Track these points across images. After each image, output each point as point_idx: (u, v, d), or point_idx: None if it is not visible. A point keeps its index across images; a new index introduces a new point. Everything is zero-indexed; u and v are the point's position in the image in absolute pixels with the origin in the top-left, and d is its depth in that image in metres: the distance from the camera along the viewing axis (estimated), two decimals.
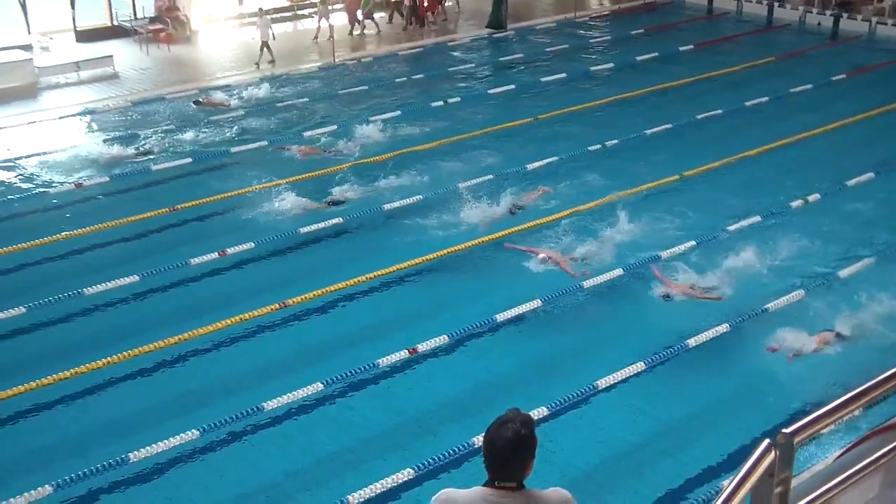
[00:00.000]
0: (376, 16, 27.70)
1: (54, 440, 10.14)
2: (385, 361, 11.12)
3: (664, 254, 13.72)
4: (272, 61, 24.24)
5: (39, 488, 9.01)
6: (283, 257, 14.16)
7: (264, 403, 10.26)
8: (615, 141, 18.12)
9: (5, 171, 17.66)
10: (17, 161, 18.16)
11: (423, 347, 11.46)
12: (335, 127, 19.33)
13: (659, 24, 28.52)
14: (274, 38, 24.42)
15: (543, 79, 22.55)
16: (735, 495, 3.14)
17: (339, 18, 27.23)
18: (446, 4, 29.57)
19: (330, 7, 26.55)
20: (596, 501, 9.04)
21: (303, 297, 12.70)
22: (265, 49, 24.21)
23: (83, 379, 10.96)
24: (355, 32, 27.37)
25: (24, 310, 12.21)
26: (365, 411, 10.53)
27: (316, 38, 26.51)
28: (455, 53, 25.82)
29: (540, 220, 14.98)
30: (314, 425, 10.27)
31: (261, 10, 24.73)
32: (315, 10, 27.29)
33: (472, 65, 24.69)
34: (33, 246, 14.25)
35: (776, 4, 29.05)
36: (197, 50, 26.58)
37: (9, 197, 16.40)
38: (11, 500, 8.84)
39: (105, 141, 19.09)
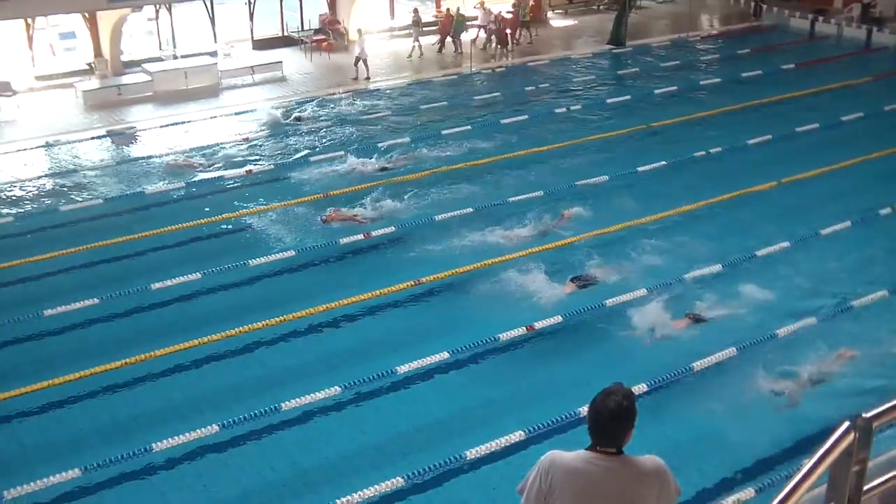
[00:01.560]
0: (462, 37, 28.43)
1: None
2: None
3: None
4: (367, 77, 25.47)
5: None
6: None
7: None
8: (718, 148, 18.80)
9: (189, 158, 19.55)
10: (199, 149, 20.12)
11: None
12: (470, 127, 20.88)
13: (763, 45, 29.04)
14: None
15: (657, 91, 23.46)
16: (814, 471, 3.30)
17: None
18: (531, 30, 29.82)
19: (422, 28, 28.23)
20: None
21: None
22: (362, 64, 25.43)
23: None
24: (444, 51, 28.45)
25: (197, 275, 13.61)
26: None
27: (410, 55, 27.81)
28: (577, 67, 26.88)
29: (681, 209, 15.86)
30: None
31: (359, 30, 26.03)
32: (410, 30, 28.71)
33: (593, 76, 25.72)
34: (210, 222, 16.11)
35: (875, 29, 29.48)
36: (352, 58, 29.48)
37: (192, 179, 18.34)
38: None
39: (271, 134, 21.23)
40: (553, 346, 12.11)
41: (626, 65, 27.57)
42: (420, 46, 28.02)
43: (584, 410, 8.85)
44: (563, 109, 22.41)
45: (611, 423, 4.64)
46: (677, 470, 4.64)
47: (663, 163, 18.26)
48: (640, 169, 17.97)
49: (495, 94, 24.34)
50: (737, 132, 20.17)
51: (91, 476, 9.49)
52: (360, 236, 15.32)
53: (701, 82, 24.90)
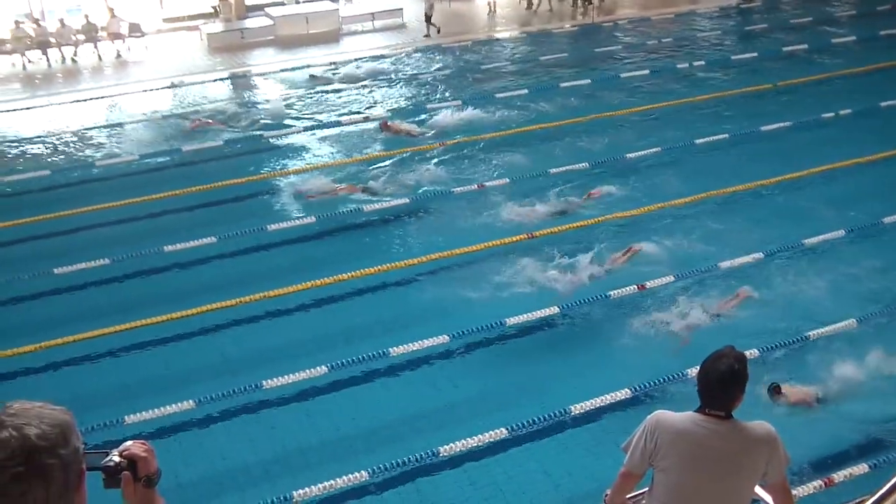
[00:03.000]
0: None
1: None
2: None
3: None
4: (438, 31, 25.24)
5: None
6: None
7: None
8: (848, 111, 17.77)
9: (305, 101, 20.02)
10: (316, 93, 20.59)
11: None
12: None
13: None
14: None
15: (785, 48, 22.48)
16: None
17: None
18: None
19: None
20: None
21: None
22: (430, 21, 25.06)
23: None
24: (532, 8, 28.09)
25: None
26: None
27: (531, 8, 27.57)
28: (704, 21, 26.18)
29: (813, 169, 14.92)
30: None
31: None
32: None
33: (719, 32, 24.96)
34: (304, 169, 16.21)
35: None
36: (473, 6, 28.78)
37: (316, 120, 18.79)
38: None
39: (389, 81, 21.56)
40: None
41: (753, 21, 26.58)
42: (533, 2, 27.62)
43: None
44: (686, 65, 21.69)
45: (721, 385, 4.59)
46: None
47: (788, 123, 17.29)
48: (762, 128, 17.09)
49: (615, 46, 23.89)
50: (869, 94, 18.96)
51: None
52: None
53: (833, 40, 23.61)
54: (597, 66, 22.03)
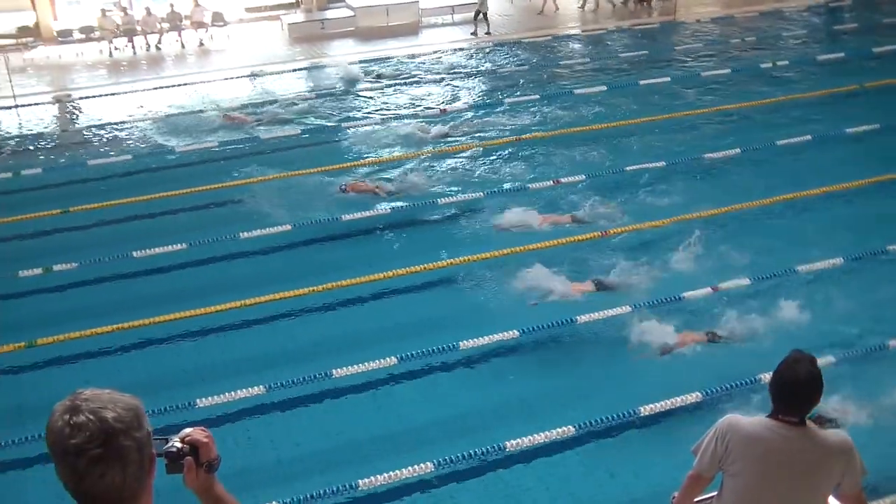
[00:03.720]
0: None
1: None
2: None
3: None
4: (488, 32, 24.81)
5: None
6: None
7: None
8: None
9: (379, 92, 20.36)
10: (396, 84, 20.89)
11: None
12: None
13: None
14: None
15: (875, 49, 21.72)
16: None
17: None
18: None
19: None
20: None
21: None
22: (482, 18, 24.69)
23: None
24: (587, 7, 27.72)
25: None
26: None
27: (541, 11, 26.99)
28: (790, 19, 25.60)
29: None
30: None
31: None
32: None
33: (806, 31, 24.47)
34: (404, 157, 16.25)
35: None
36: (536, 4, 28.26)
37: (384, 113, 18.86)
38: None
39: (466, 74, 21.47)
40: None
41: (843, 19, 25.98)
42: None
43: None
44: (769, 65, 21.15)
45: (802, 391, 4.51)
46: None
47: (876, 126, 16.65)
48: (847, 130, 16.53)
49: (697, 44, 23.48)
50: None
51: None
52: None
53: None
54: (676, 64, 21.73)
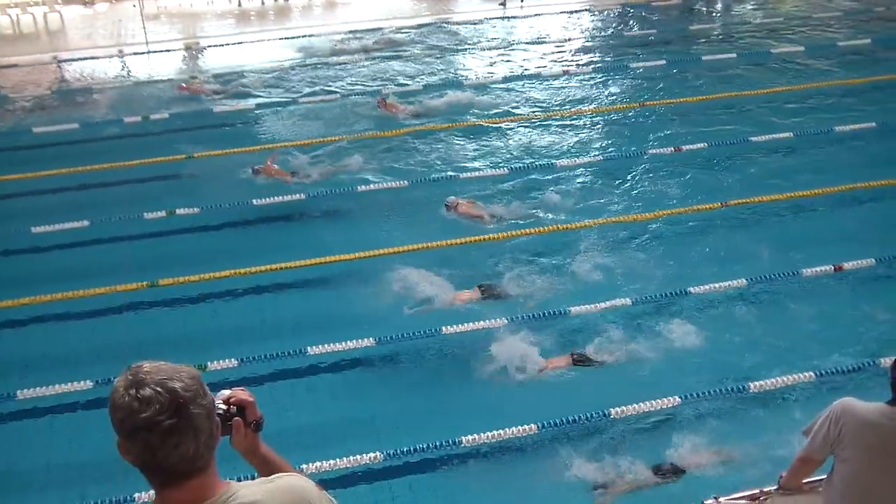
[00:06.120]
0: None
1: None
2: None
3: None
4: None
5: None
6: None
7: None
8: None
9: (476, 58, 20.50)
10: (492, 47, 21.06)
11: None
12: None
13: None
14: None
15: None
16: None
17: None
18: None
19: None
20: None
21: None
22: None
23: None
24: None
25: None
26: None
27: None
28: None
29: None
30: None
31: None
32: None
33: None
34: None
35: None
36: None
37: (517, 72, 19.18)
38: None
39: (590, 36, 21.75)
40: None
41: None
42: None
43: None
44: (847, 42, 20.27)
45: None
46: None
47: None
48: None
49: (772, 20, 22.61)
50: None
51: None
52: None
53: None
54: (745, 40, 21.00)
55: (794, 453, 5.31)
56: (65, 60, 20.57)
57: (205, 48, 21.72)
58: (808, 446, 4.73)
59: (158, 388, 2.60)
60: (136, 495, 7.72)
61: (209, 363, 9.35)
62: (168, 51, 21.17)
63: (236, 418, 3.10)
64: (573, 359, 9.58)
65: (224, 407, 3.02)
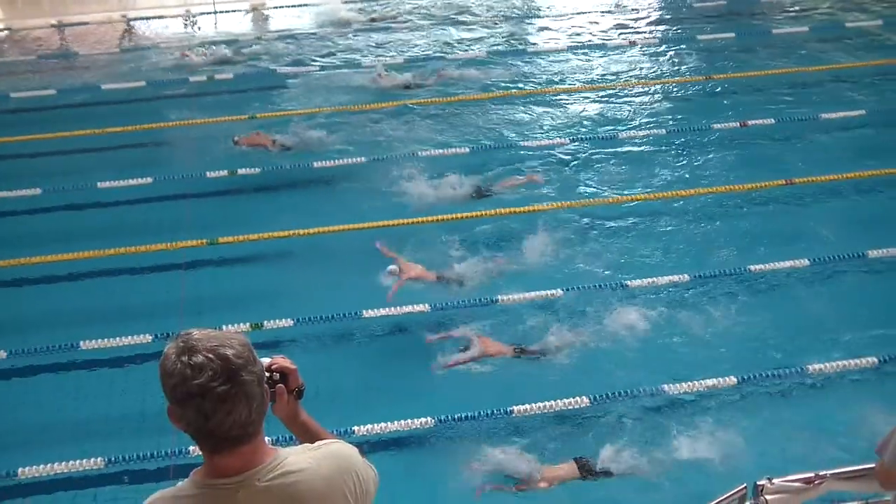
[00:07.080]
0: None
1: None
2: None
3: None
4: None
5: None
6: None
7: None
8: None
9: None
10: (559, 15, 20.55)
11: None
12: None
13: None
14: None
15: None
16: None
17: None
18: None
19: None
20: None
21: None
22: None
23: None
24: None
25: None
26: None
27: None
28: None
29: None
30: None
31: None
32: None
33: None
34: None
35: None
36: None
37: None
38: None
39: None
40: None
41: None
42: None
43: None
44: None
45: None
46: None
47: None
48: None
49: None
50: None
51: None
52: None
53: None
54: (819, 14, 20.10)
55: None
56: (134, 19, 20.86)
57: (271, 9, 21.76)
58: (889, 461, 4.43)
59: (210, 355, 2.64)
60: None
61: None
62: (234, 11, 21.32)
63: (280, 385, 3.13)
64: (514, 351, 9.26)
65: (267, 374, 3.04)
